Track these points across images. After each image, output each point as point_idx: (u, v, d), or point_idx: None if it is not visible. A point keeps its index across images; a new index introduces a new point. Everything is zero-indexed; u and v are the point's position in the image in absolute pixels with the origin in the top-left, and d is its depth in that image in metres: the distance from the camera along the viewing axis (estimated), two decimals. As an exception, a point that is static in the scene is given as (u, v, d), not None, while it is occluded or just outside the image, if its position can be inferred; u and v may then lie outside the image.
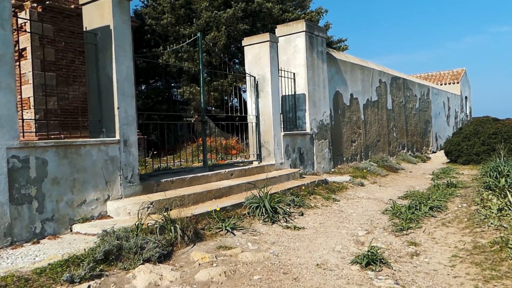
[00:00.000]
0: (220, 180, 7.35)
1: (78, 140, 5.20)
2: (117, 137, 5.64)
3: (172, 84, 15.93)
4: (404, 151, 16.15)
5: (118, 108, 5.64)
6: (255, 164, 8.70)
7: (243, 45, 9.26)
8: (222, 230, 5.35)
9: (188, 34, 13.23)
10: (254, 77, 9.00)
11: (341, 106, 11.87)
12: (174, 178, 6.53)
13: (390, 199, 7.51)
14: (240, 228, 5.50)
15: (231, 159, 9.54)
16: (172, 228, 4.79)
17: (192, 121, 13.43)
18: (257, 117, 8.99)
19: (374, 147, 13.75)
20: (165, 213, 4.99)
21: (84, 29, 5.89)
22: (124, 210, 5.38)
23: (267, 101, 8.87)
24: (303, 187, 7.71)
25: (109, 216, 5.47)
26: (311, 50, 10.29)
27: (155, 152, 9.46)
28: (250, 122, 9.10)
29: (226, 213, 5.84)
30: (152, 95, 14.99)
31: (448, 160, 14.94)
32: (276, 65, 9.05)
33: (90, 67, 5.88)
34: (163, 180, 6.33)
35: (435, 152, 19.69)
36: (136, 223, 4.70)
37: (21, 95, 9.82)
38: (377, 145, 13.98)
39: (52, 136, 9.38)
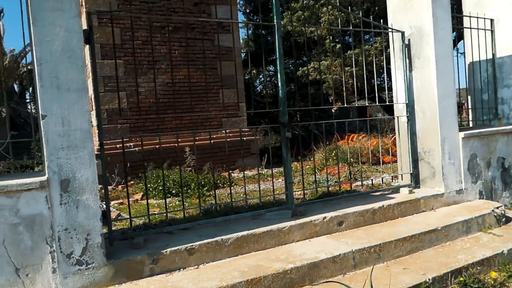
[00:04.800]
0: (311, 238, 3.78)
1: None
2: (46, 174, 2.79)
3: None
4: None
5: (44, 116, 2.78)
6: (404, 194, 4.68)
7: (382, -23, 5.24)
8: None
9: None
10: (402, 33, 4.92)
11: None
12: (198, 242, 3.32)
13: None
14: None
15: (373, 179, 5.64)
16: None
17: (333, 110, 9.66)
18: (410, 106, 4.91)
19: None
20: None
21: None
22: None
23: (429, 75, 4.69)
24: (493, 268, 3.43)
25: None
26: (529, -29, 5.44)
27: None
28: (396, 116, 5.09)
29: None
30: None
31: None
32: (446, 4, 4.73)
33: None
34: (169, 250, 3.20)
35: None
36: None
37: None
38: None
39: (118, 146, 7.30)
